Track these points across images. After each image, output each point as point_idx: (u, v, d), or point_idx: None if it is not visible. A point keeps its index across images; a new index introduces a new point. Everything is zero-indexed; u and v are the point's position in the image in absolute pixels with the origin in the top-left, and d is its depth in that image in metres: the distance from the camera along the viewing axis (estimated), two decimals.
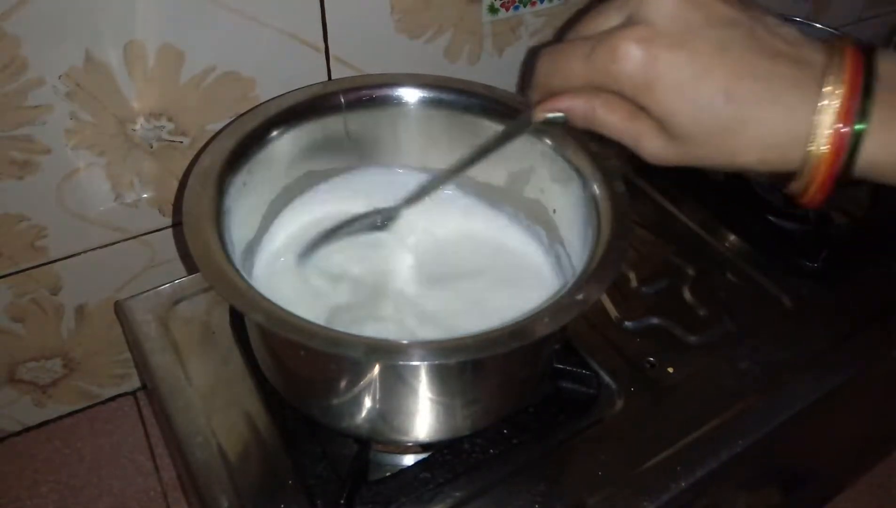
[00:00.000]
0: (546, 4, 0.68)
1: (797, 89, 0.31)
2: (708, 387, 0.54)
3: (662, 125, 0.34)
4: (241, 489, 0.47)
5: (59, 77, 0.50)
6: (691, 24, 0.32)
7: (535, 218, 0.55)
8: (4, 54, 0.47)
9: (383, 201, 0.54)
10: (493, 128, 0.53)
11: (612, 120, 0.35)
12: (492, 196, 0.57)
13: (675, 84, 0.32)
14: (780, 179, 0.33)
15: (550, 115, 0.38)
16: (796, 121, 0.31)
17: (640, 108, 0.34)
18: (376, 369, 0.41)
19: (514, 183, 0.55)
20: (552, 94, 0.38)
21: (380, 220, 0.53)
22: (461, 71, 0.68)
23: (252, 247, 0.51)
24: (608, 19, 0.35)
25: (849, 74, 0.31)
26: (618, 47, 0.33)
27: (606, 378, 0.54)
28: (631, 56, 0.32)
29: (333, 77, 0.61)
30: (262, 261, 0.52)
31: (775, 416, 0.53)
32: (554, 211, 0.53)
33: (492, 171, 0.55)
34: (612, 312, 0.59)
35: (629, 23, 0.33)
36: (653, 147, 0.35)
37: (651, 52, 0.32)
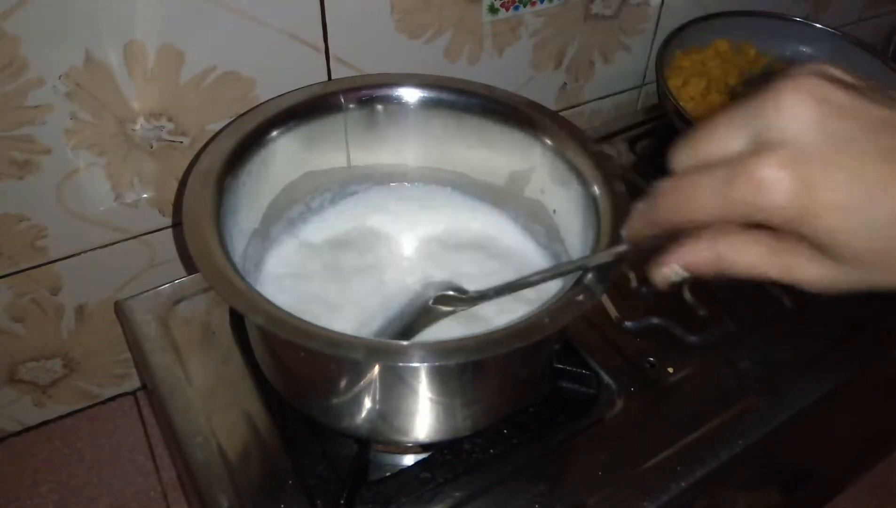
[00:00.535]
0: (546, 4, 0.68)
1: None
2: (708, 387, 0.54)
3: (822, 250, 0.29)
4: (241, 489, 0.47)
5: (59, 77, 0.50)
6: (842, 136, 0.27)
7: (536, 218, 0.55)
8: (4, 54, 0.47)
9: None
10: (493, 128, 0.53)
11: (748, 261, 0.31)
12: (492, 196, 0.57)
13: (840, 210, 0.27)
14: None
15: (672, 274, 0.35)
16: None
17: (780, 237, 0.30)
18: (376, 370, 0.41)
19: (515, 183, 0.55)
20: (657, 226, 0.34)
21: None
22: (461, 71, 0.68)
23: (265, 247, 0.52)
24: (731, 140, 0.30)
25: None
26: (761, 176, 0.28)
27: (606, 378, 0.54)
28: (780, 185, 0.28)
29: (333, 77, 0.61)
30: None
31: (775, 416, 0.53)
32: (554, 211, 0.53)
33: (492, 171, 0.56)
34: (612, 312, 0.59)
35: (762, 143, 0.28)
36: (814, 276, 0.31)
37: (804, 178, 0.27)
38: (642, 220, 0.35)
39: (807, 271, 0.31)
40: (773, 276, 0.32)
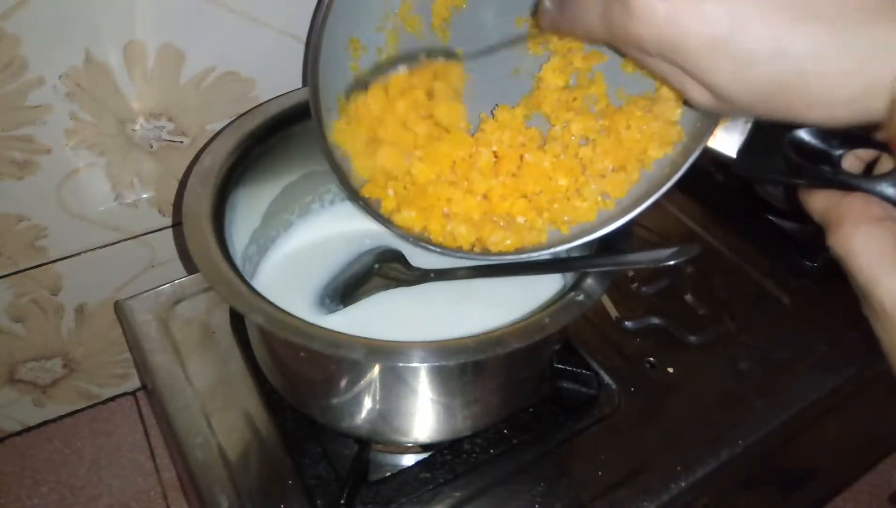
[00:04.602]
0: None
1: (873, 26, 0.25)
2: (708, 387, 0.54)
3: (703, 86, 0.29)
4: (241, 489, 0.47)
5: (59, 77, 0.50)
6: None
7: None
8: (4, 54, 0.47)
9: None
10: None
11: (650, 63, 0.30)
12: None
13: (707, 41, 0.27)
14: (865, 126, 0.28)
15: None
16: (876, 67, 0.25)
17: None
18: (376, 369, 0.41)
19: None
20: (560, 31, 0.35)
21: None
22: None
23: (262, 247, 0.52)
24: None
25: None
26: (632, 2, 0.28)
27: (606, 378, 0.54)
28: (649, 12, 0.27)
29: None
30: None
31: (775, 416, 0.53)
32: None
33: None
34: (612, 312, 0.59)
35: None
36: (700, 100, 0.30)
37: (673, 5, 0.27)
38: (549, 20, 0.36)
39: (695, 94, 0.30)
40: (672, 84, 0.31)
